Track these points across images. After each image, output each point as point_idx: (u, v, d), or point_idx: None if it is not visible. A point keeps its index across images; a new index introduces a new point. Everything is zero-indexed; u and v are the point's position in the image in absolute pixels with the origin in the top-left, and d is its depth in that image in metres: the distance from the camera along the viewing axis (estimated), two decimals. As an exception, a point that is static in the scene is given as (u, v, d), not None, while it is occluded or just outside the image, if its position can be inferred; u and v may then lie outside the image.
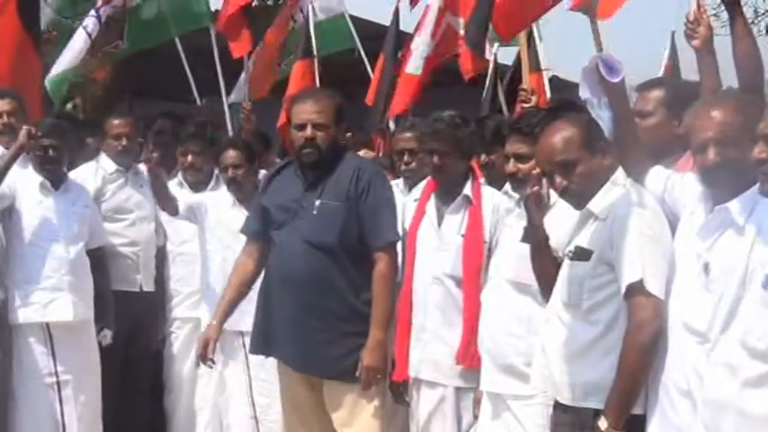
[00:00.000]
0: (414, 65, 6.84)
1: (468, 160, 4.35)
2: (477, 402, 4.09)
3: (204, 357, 4.49)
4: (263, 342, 4.46)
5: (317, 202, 4.26)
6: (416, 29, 7.00)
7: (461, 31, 6.78)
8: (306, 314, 4.24)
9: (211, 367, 4.69)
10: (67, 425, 5.12)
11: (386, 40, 7.36)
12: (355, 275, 4.23)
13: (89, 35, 6.10)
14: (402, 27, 7.68)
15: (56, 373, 5.11)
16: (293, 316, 4.27)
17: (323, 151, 4.29)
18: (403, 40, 7.42)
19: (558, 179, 3.31)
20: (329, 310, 4.22)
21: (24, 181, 5.22)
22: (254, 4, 6.63)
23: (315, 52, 6.98)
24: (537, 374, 3.50)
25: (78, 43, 6.08)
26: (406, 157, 5.05)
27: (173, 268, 5.80)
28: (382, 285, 4.19)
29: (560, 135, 3.31)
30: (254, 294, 5.22)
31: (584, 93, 3.29)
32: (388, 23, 8.29)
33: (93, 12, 6.20)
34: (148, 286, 5.73)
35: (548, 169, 3.36)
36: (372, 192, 4.21)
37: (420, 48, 6.81)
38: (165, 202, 5.51)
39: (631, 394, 3.11)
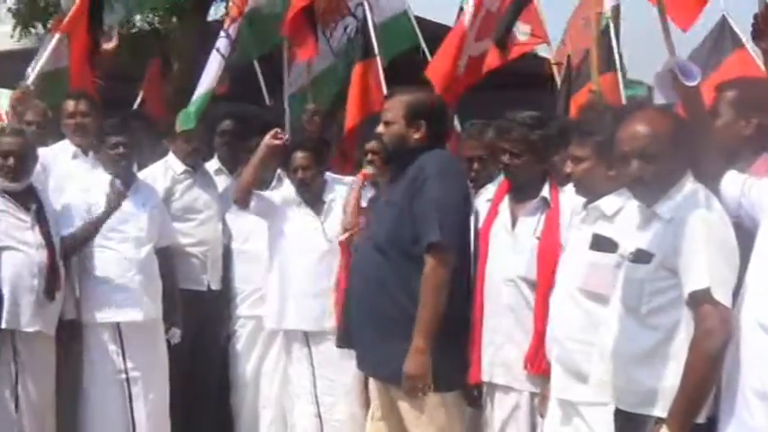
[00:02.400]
0: (460, 64, 6.78)
1: (544, 162, 4.27)
2: (543, 401, 4.04)
3: None
4: (345, 337, 4.48)
5: (383, 201, 4.30)
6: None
7: (522, 37, 6.70)
8: (365, 313, 4.24)
9: None
10: (137, 422, 5.19)
11: None
12: (411, 278, 4.10)
13: (223, 56, 6.17)
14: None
15: (126, 371, 5.19)
16: (358, 314, 4.29)
17: (387, 147, 4.32)
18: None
19: (634, 165, 3.26)
20: (384, 311, 4.17)
21: (96, 183, 5.31)
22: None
23: (376, 52, 6.97)
24: (596, 380, 3.48)
25: (213, 66, 6.15)
26: (475, 165, 4.98)
27: (236, 266, 5.85)
28: (425, 290, 4.03)
29: (654, 124, 3.26)
30: (320, 291, 5.37)
31: (658, 98, 3.28)
32: (449, 23, 8.25)
33: (222, 33, 6.26)
34: (216, 285, 5.78)
35: (628, 153, 3.29)
36: (426, 192, 4.08)
37: (468, 48, 6.75)
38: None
39: (697, 403, 3.07)
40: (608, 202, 3.75)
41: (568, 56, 7.17)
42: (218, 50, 6.18)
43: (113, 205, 5.14)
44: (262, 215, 5.58)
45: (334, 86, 7.39)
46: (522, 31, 6.76)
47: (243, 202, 5.44)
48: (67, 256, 5.14)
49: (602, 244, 3.69)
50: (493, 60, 6.64)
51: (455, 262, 4.10)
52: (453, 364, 4.14)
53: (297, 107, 7.16)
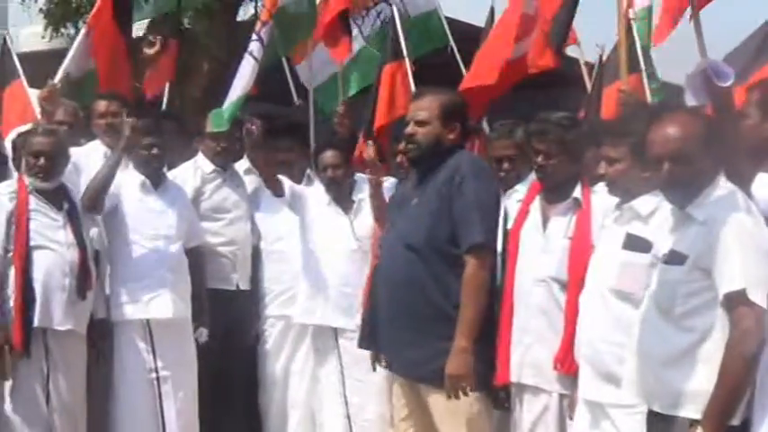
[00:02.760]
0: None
1: (578, 163, 4.27)
2: (572, 405, 4.04)
3: None
4: (369, 338, 4.50)
5: (414, 202, 4.28)
6: None
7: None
8: (397, 314, 4.24)
9: None
10: (167, 420, 5.21)
11: (481, 40, 7.29)
12: (447, 278, 4.16)
13: (255, 59, 6.21)
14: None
15: (156, 369, 5.21)
16: (388, 315, 4.30)
17: (422, 148, 4.29)
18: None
19: (667, 168, 3.23)
20: (418, 312, 4.19)
21: (125, 180, 5.33)
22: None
23: (405, 53, 6.97)
24: (628, 381, 3.45)
25: (246, 69, 6.19)
26: (505, 165, 4.97)
27: (265, 266, 5.85)
28: (467, 290, 4.09)
29: (685, 127, 3.24)
30: (348, 290, 5.39)
31: (689, 100, 3.26)
32: (478, 23, 8.24)
33: (254, 36, 6.30)
34: (245, 285, 5.79)
35: (660, 156, 3.27)
36: (465, 192, 4.13)
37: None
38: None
39: (731, 405, 3.05)
40: (643, 203, 3.73)
41: (600, 56, 7.14)
42: (250, 54, 6.19)
43: (126, 144, 5.12)
44: (294, 207, 5.60)
45: (362, 78, 7.36)
46: None
47: (275, 190, 5.51)
48: (91, 207, 5.13)
49: (635, 243, 3.68)
50: (547, 61, 6.57)
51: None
52: (485, 364, 4.16)
53: (327, 98, 7.14)
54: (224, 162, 5.84)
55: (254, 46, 6.22)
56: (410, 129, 4.32)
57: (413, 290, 4.17)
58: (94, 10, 6.47)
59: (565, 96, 7.31)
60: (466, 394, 4.04)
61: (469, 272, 4.08)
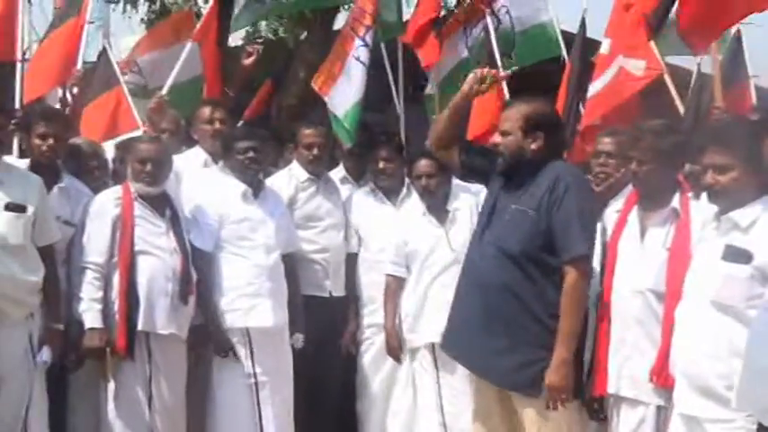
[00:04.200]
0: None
1: (674, 171, 4.25)
2: (666, 421, 3.99)
3: None
4: (452, 343, 4.52)
5: (512, 208, 4.29)
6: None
7: (638, 72, 6.52)
8: (489, 320, 4.25)
9: None
10: (265, 425, 5.26)
11: (573, 48, 7.26)
12: (543, 285, 4.19)
13: (363, 64, 6.30)
14: (589, 34, 7.57)
15: (254, 375, 5.26)
16: (477, 320, 4.29)
17: (506, 158, 4.33)
18: (590, 47, 7.31)
19: None
20: (512, 319, 4.20)
21: (227, 190, 5.41)
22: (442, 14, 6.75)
23: (499, 64, 6.98)
24: (740, 396, 3.40)
25: (357, 74, 6.29)
26: (601, 159, 4.95)
27: (368, 275, 5.85)
28: (569, 301, 4.12)
29: None
30: (442, 302, 5.32)
31: None
32: (573, 30, 8.18)
33: (359, 41, 6.39)
34: (338, 292, 5.83)
35: None
36: (566, 202, 4.15)
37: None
38: None
39: None
40: (742, 213, 3.66)
41: (698, 65, 7.03)
42: (357, 59, 6.25)
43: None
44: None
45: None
46: (635, 66, 6.60)
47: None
48: None
49: (735, 255, 3.61)
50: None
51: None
52: (577, 373, 4.19)
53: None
54: (317, 170, 5.88)
55: (361, 51, 6.26)
56: (496, 138, 4.38)
57: (508, 295, 4.20)
58: (201, 24, 6.61)
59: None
60: (563, 405, 4.06)
61: (571, 282, 4.12)
